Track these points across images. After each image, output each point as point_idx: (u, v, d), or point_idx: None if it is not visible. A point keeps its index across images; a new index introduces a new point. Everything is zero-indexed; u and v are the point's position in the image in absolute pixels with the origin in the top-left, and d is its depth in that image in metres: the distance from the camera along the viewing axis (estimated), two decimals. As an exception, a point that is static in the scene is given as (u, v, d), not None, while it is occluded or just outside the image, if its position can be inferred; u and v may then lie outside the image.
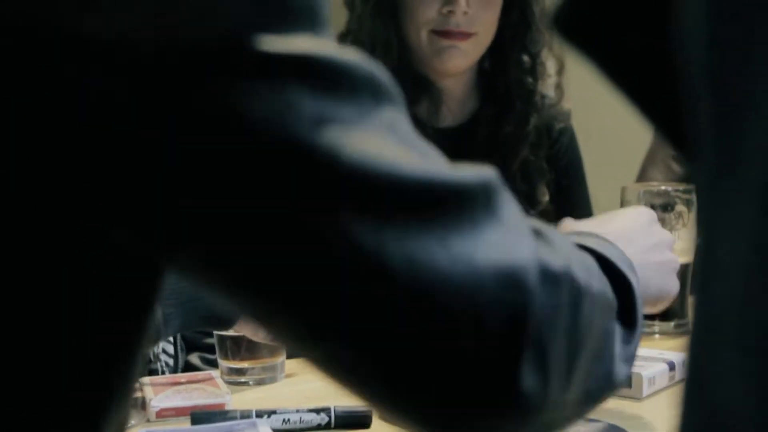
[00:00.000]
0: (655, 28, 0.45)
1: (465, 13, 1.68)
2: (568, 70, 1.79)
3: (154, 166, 0.46)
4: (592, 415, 1.11)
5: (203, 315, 1.02)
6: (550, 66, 1.80)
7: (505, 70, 1.79)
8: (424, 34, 1.71)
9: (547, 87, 1.82)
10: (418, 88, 1.77)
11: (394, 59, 1.72)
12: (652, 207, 1.50)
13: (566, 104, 1.85)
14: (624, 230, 0.85)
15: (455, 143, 1.79)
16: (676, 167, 2.12)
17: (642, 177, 2.15)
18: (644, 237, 0.89)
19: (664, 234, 0.95)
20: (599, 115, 2.54)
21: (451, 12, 1.68)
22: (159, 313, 0.95)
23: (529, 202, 1.77)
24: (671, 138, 0.49)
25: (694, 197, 1.49)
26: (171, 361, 1.46)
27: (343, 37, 1.78)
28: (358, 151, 0.47)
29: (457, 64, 1.73)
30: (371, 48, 1.73)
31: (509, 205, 0.56)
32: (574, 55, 0.48)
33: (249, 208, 0.46)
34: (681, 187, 1.52)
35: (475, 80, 1.83)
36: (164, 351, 1.45)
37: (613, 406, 1.15)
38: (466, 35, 1.70)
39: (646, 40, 0.46)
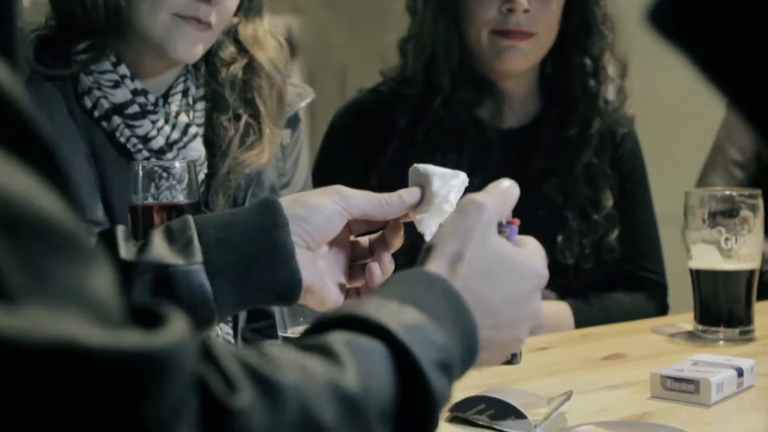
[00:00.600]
0: (757, 26, 0.44)
1: (525, 11, 1.67)
2: (630, 74, 1.78)
3: None
4: (659, 421, 1.09)
5: (260, 290, 0.92)
6: (612, 69, 1.79)
7: (568, 73, 1.78)
8: (484, 35, 1.71)
9: (610, 91, 1.81)
10: (480, 90, 1.77)
11: (455, 62, 1.73)
12: (716, 213, 1.49)
13: (629, 109, 1.83)
14: (496, 298, 0.79)
15: (518, 145, 1.79)
16: (737, 172, 2.09)
17: (702, 182, 2.13)
18: (513, 307, 0.81)
19: (536, 303, 0.85)
20: (660, 120, 2.51)
21: (511, 10, 1.68)
22: (210, 293, 0.91)
23: (593, 207, 1.76)
24: (765, 134, 0.48)
25: (759, 202, 1.47)
26: (231, 340, 1.45)
27: (406, 42, 1.79)
28: None
29: (517, 65, 1.72)
30: (432, 51, 1.73)
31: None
32: (670, 51, 0.47)
33: None
34: (746, 192, 1.50)
35: (537, 83, 1.83)
36: (223, 332, 1.43)
37: (681, 413, 1.13)
38: (526, 35, 1.69)
39: (747, 37, 0.45)
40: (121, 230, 0.93)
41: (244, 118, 1.45)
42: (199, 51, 1.39)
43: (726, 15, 0.46)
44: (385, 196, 0.96)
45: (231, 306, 0.93)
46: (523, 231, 0.91)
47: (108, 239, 0.91)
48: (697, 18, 0.46)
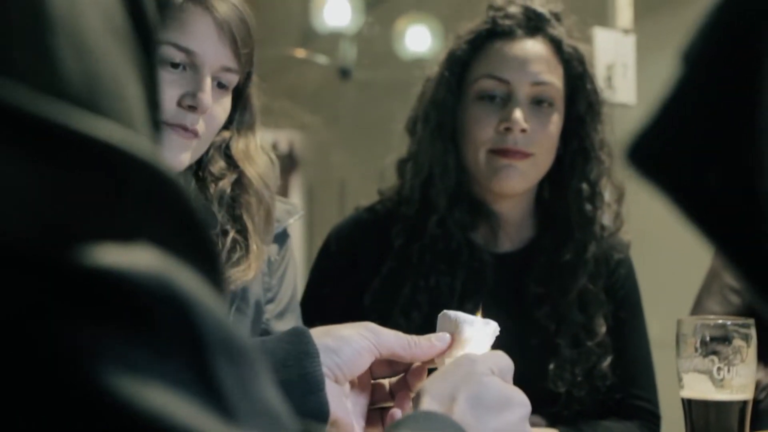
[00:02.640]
0: (736, 163, 0.43)
1: (522, 131, 1.68)
2: (627, 199, 1.78)
3: None
4: None
5: None
6: (609, 195, 1.79)
7: (565, 198, 1.78)
8: (482, 154, 1.71)
9: (606, 216, 1.81)
10: (476, 213, 1.77)
11: (452, 182, 1.73)
12: (708, 341, 1.46)
13: (626, 235, 1.83)
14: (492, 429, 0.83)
15: (512, 270, 1.77)
16: (733, 298, 2.07)
17: (697, 307, 2.11)
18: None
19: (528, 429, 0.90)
20: (655, 245, 2.51)
21: (508, 129, 1.68)
22: None
23: (586, 333, 1.73)
24: (748, 275, 0.46)
25: (752, 332, 1.45)
26: None
27: (404, 163, 1.80)
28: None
29: (513, 184, 1.72)
30: (429, 170, 1.74)
31: None
32: (649, 189, 0.46)
33: None
34: (739, 321, 1.48)
35: (533, 207, 1.82)
36: None
37: None
38: (523, 155, 1.69)
39: (726, 176, 0.44)
40: None
41: (231, 233, 1.45)
42: (186, 159, 1.39)
43: (704, 155, 0.45)
44: (415, 338, 0.95)
45: None
46: (515, 358, 0.91)
47: None
48: (676, 157, 0.46)
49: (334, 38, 4.95)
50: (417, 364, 0.97)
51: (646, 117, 0.46)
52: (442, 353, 0.95)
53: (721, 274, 2.09)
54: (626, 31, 2.97)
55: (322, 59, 4.97)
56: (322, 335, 0.92)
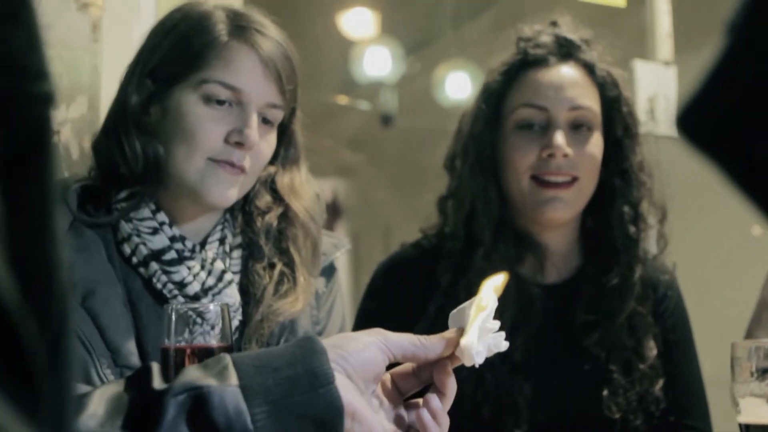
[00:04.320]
0: None
1: (565, 155, 1.68)
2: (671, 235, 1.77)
3: None
4: None
5: (300, 415, 0.86)
6: (651, 217, 1.78)
7: (608, 223, 1.77)
8: (525, 182, 1.71)
9: (649, 239, 1.80)
10: (521, 247, 1.76)
11: (495, 215, 1.72)
12: (765, 365, 1.44)
13: (669, 257, 1.82)
14: None
15: (560, 300, 1.76)
16: (786, 329, 2.04)
17: (748, 339, 2.08)
18: None
19: None
20: (703, 269, 2.48)
21: (551, 156, 1.68)
22: (246, 414, 0.84)
23: (637, 357, 1.71)
24: None
25: (808, 356, 1.42)
26: None
27: (444, 200, 1.80)
28: None
29: (559, 215, 1.71)
30: (472, 205, 1.73)
31: None
32: (700, 159, 0.46)
33: None
34: (795, 345, 1.45)
35: (578, 236, 1.81)
36: None
37: None
38: (567, 184, 1.69)
39: None
40: (156, 366, 0.91)
41: (279, 266, 1.45)
42: (233, 195, 1.41)
43: (755, 122, 0.45)
44: (425, 336, 0.96)
45: (269, 431, 0.86)
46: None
47: (143, 373, 0.89)
48: (727, 127, 0.45)
49: (375, 85, 4.98)
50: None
51: (695, 86, 0.46)
52: (456, 343, 0.95)
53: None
54: (667, 63, 2.96)
55: (364, 105, 5.00)
56: (329, 338, 0.93)
